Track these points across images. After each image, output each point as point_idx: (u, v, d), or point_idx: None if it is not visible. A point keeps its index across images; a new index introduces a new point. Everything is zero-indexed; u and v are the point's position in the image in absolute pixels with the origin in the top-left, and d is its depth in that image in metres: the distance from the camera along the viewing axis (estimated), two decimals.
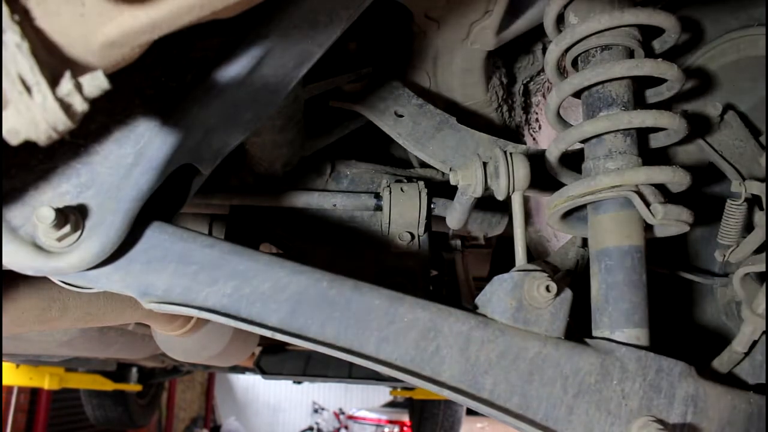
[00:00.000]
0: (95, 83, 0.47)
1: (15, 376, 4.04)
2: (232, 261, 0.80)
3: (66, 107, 0.45)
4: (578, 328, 0.85)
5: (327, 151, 1.43)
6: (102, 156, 0.75)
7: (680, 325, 1.14)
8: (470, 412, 6.66)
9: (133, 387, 4.90)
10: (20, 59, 0.43)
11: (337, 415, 10.78)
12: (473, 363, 0.78)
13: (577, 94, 0.95)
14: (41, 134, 0.45)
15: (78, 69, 0.48)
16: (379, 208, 1.38)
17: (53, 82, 0.45)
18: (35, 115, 0.44)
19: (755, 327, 0.90)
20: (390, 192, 1.33)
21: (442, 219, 1.39)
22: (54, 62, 0.46)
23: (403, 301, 0.80)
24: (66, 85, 0.45)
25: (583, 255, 1.13)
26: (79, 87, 0.46)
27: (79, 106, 0.46)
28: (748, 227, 0.97)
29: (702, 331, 1.11)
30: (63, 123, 0.46)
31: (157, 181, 0.76)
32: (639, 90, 0.99)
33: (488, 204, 1.51)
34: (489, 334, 0.79)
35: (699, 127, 1.01)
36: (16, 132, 0.45)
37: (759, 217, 0.94)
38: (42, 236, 0.73)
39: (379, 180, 1.42)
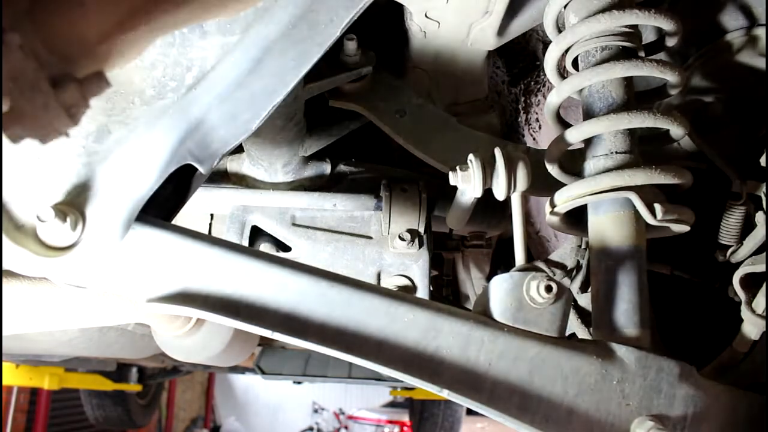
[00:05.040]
0: (97, 83, 0.47)
1: (15, 376, 4.04)
2: (232, 261, 0.80)
3: (67, 107, 0.45)
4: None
5: (327, 151, 1.43)
6: (102, 156, 0.75)
7: (680, 325, 1.14)
8: (470, 412, 6.66)
9: (133, 387, 4.90)
10: (22, 60, 0.43)
11: (337, 415, 10.78)
12: (473, 363, 0.78)
13: (578, 94, 0.95)
14: (43, 134, 0.46)
15: (79, 69, 0.48)
16: (379, 208, 1.38)
17: (55, 82, 0.45)
18: (37, 115, 0.44)
19: (755, 327, 0.90)
20: (390, 192, 1.33)
21: (442, 219, 1.39)
22: (56, 62, 0.46)
23: (403, 301, 0.80)
24: (68, 85, 0.45)
25: (583, 255, 1.13)
26: (80, 87, 0.46)
27: (81, 106, 0.46)
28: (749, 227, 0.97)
29: (702, 332, 1.11)
30: (64, 123, 0.46)
31: (157, 181, 0.76)
32: (647, 91, 0.99)
33: (488, 204, 1.51)
34: (489, 334, 0.79)
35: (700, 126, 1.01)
36: (18, 132, 0.45)
37: (759, 217, 0.94)
38: (42, 236, 0.73)
39: (379, 180, 1.41)
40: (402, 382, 0.83)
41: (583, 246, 1.22)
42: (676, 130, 0.89)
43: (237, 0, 0.56)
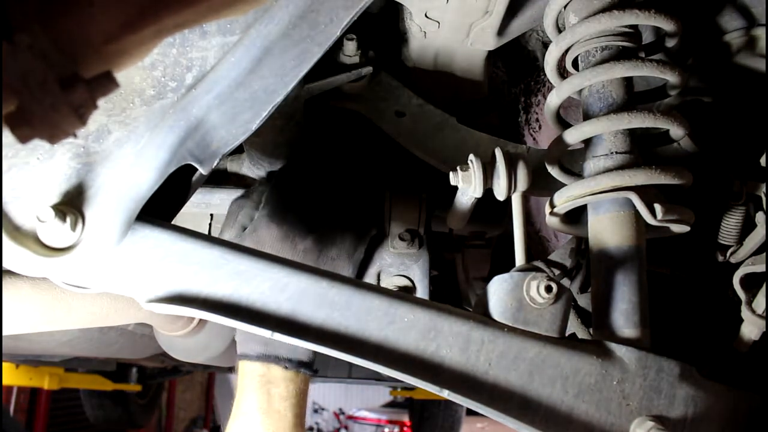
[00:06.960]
0: (105, 84, 0.47)
1: (15, 376, 4.03)
2: (232, 261, 0.80)
3: (76, 108, 0.46)
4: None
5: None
6: (102, 156, 0.75)
7: (681, 326, 1.14)
8: (470, 412, 6.65)
9: (133, 387, 4.90)
10: (31, 60, 0.43)
11: (337, 415, 10.78)
12: (473, 363, 0.78)
13: (578, 94, 0.95)
14: (51, 134, 0.46)
15: (88, 69, 0.48)
16: None
17: (63, 83, 0.45)
18: (46, 115, 0.44)
19: (755, 327, 0.90)
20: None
21: (443, 219, 1.39)
22: (64, 62, 0.46)
23: (403, 301, 0.80)
24: (76, 86, 0.45)
25: (583, 255, 1.13)
26: (89, 88, 0.46)
27: (89, 106, 0.47)
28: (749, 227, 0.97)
29: (702, 332, 1.11)
30: (73, 123, 0.46)
31: (157, 181, 0.76)
32: (647, 91, 0.99)
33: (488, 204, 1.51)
34: (489, 334, 0.79)
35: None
36: (27, 132, 0.45)
37: (759, 217, 0.95)
38: (42, 236, 0.73)
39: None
40: (402, 382, 0.82)
41: (583, 246, 1.22)
42: (676, 130, 0.89)
43: (244, 0, 0.56)
